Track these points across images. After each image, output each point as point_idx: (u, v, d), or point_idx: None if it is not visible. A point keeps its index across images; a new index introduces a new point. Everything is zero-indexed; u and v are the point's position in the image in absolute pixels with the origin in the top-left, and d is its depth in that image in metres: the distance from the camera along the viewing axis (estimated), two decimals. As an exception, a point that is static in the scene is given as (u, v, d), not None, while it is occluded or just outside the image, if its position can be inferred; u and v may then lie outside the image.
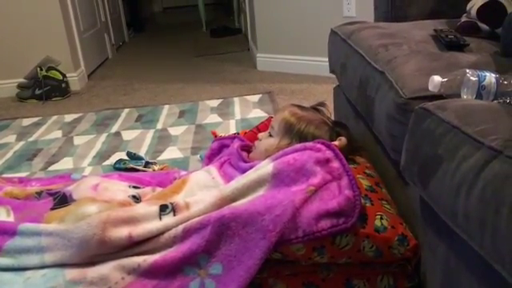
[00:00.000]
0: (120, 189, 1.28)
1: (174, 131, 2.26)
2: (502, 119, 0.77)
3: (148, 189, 1.33)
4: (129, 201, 1.21)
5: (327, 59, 1.67)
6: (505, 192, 0.62)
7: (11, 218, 1.21)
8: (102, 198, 1.20)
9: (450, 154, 0.77)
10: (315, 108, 1.38)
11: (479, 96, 0.90)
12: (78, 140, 2.27)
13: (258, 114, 2.36)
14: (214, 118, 2.37)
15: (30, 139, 2.33)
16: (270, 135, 1.31)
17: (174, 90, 3.01)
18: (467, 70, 0.92)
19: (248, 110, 2.45)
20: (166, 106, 2.65)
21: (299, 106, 1.35)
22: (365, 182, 1.13)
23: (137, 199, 1.24)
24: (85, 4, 3.58)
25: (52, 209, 1.22)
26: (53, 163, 2.01)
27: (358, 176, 1.15)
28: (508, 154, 0.66)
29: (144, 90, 3.07)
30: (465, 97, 0.92)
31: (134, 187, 1.33)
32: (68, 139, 2.29)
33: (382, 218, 1.03)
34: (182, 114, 2.51)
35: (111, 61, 4.10)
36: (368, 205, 1.05)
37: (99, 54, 3.92)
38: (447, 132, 0.79)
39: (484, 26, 1.29)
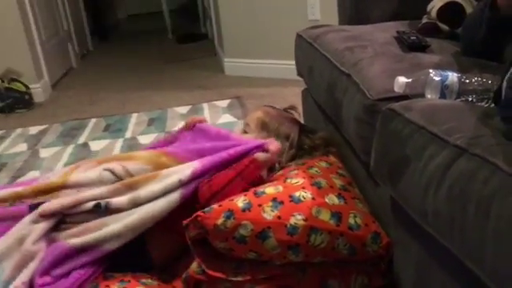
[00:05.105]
0: None
1: (144, 139, 2.24)
2: (466, 117, 0.79)
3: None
4: None
5: (294, 62, 1.68)
6: (471, 189, 0.64)
7: None
8: None
9: (417, 154, 0.78)
10: (286, 110, 1.46)
11: (443, 95, 0.93)
12: (45, 152, 2.21)
13: (227, 120, 2.35)
14: (183, 125, 2.36)
15: (-6, 153, 2.27)
16: (245, 132, 1.37)
17: (141, 97, 2.97)
18: (430, 71, 0.95)
19: (217, 115, 2.44)
20: (135, 115, 2.61)
21: (272, 107, 1.43)
22: (338, 182, 1.15)
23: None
24: (46, 12, 3.49)
25: None
26: (18, 177, 1.96)
27: (332, 176, 1.16)
28: (473, 151, 0.68)
29: (111, 99, 3.02)
30: (429, 96, 0.94)
31: None
32: (34, 152, 2.23)
33: (355, 216, 1.05)
34: (151, 121, 2.48)
35: (76, 70, 4.02)
36: (342, 203, 1.07)
37: (63, 64, 3.83)
38: (414, 132, 0.81)
39: (444, 27, 1.33)
